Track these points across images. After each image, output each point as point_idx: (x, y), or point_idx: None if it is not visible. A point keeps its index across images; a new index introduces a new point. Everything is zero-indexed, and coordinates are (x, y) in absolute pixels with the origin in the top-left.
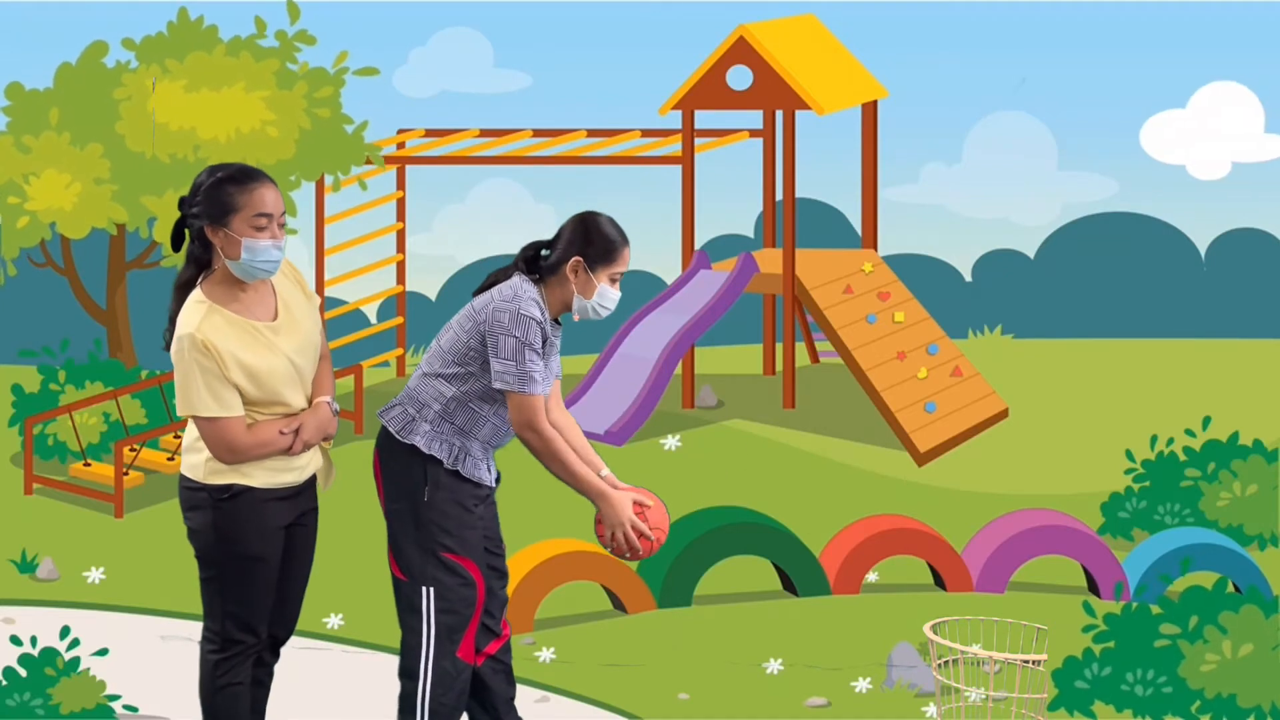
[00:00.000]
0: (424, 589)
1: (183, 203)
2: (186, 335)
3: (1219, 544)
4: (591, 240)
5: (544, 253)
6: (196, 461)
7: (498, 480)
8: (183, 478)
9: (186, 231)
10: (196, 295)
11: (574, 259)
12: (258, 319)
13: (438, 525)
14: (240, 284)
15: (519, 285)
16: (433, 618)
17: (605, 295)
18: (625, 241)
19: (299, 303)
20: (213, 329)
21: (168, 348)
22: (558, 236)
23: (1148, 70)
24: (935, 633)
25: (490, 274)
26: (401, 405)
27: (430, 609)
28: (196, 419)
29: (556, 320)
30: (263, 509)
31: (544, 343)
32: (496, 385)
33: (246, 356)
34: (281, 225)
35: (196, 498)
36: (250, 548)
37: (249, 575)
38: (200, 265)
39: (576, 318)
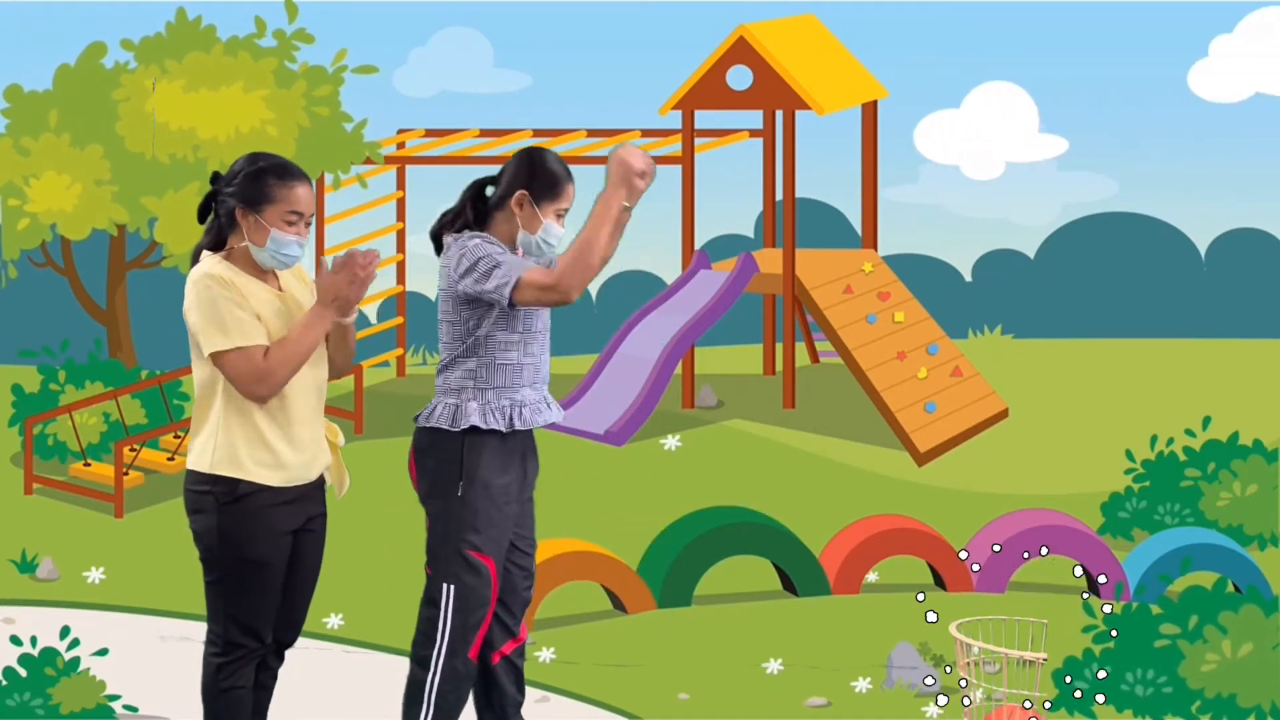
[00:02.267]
0: (445, 586)
1: (218, 178)
2: (202, 274)
3: (1219, 544)
4: (536, 174)
5: (489, 190)
6: (203, 452)
7: (550, 422)
8: (188, 476)
9: (213, 207)
10: (209, 256)
11: (519, 192)
12: (269, 287)
13: (467, 522)
14: (253, 266)
15: (460, 240)
16: (450, 615)
17: (550, 231)
18: (569, 177)
19: (306, 298)
20: (224, 269)
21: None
22: (502, 172)
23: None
24: (961, 632)
25: (441, 215)
26: (442, 401)
27: (449, 606)
28: (223, 355)
29: None
30: (268, 513)
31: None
32: (495, 290)
33: (256, 298)
34: (308, 225)
35: (202, 500)
36: (255, 552)
37: (253, 579)
38: (220, 239)
39: (520, 253)
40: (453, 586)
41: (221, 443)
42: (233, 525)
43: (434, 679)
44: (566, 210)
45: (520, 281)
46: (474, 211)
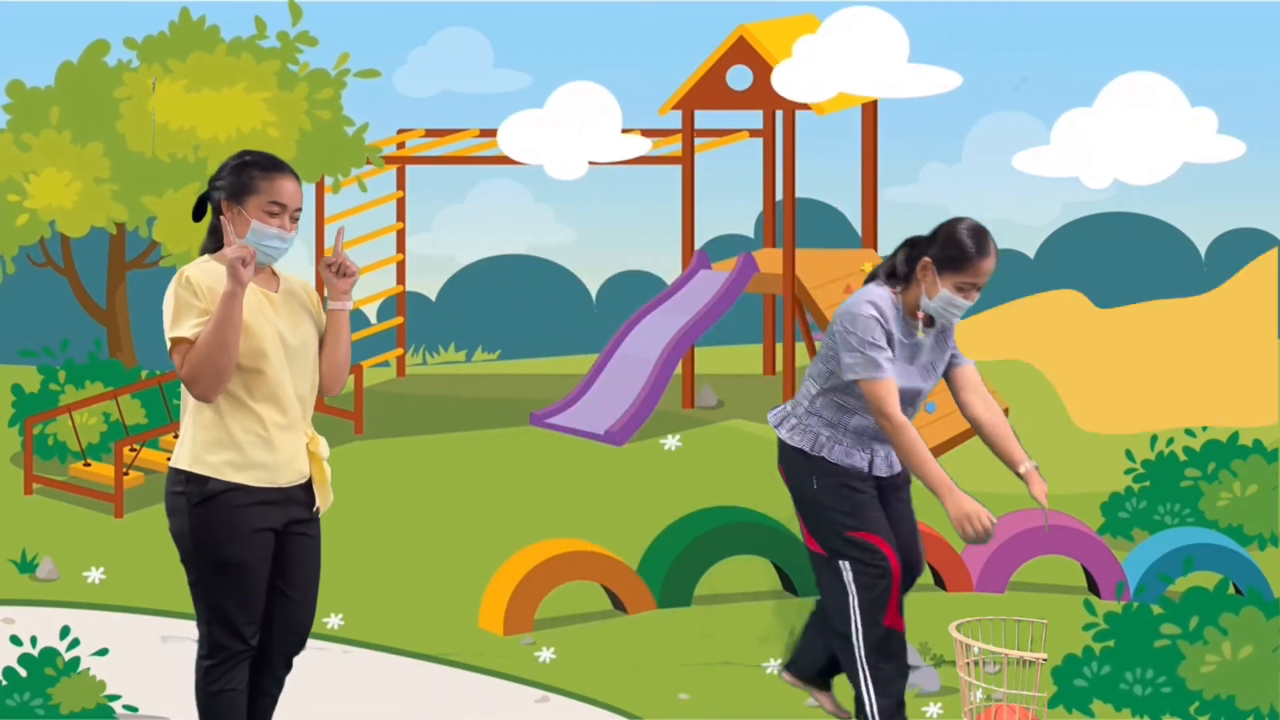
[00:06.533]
0: (841, 564)
1: (211, 178)
2: (179, 274)
3: (1219, 544)
4: (942, 244)
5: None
6: (180, 449)
7: (896, 473)
8: (168, 475)
9: (209, 206)
10: (201, 258)
11: (924, 258)
12: (257, 285)
13: (833, 508)
14: (251, 268)
15: (866, 289)
16: (854, 590)
17: (948, 301)
18: (981, 254)
19: (308, 311)
20: (205, 273)
21: None
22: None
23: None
24: (961, 632)
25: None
26: (783, 405)
27: (851, 581)
28: (173, 346)
29: (919, 318)
30: (239, 513)
31: (889, 337)
32: (847, 376)
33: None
34: (294, 219)
35: (176, 501)
36: (227, 553)
37: (229, 581)
38: (219, 238)
39: (921, 317)
40: (848, 563)
41: (196, 439)
42: (204, 527)
43: (861, 652)
44: (972, 284)
45: (870, 388)
46: (904, 265)
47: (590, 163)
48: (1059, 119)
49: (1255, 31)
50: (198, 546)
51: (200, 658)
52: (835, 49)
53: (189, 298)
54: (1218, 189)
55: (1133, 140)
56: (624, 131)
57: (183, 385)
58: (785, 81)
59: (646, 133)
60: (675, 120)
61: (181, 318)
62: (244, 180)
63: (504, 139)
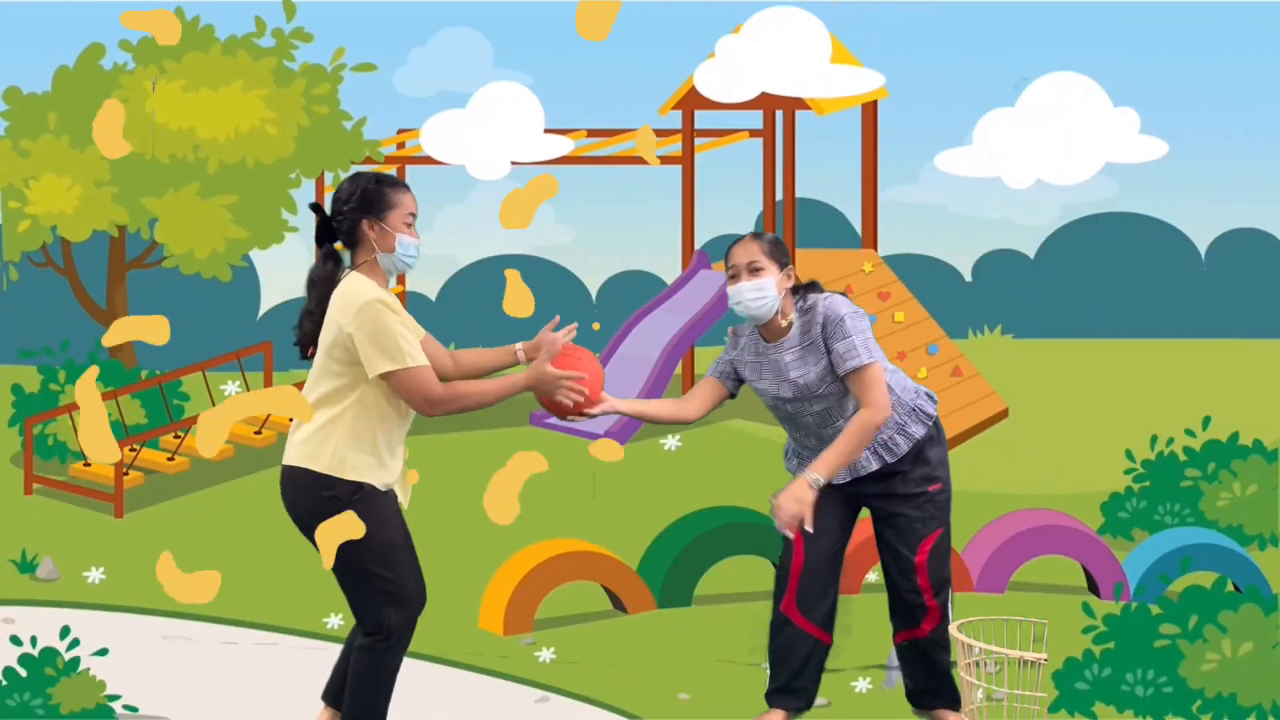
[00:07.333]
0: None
1: (336, 201)
2: (375, 298)
3: (1219, 544)
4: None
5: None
6: (323, 452)
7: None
8: (307, 477)
9: (332, 230)
10: (358, 276)
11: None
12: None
13: None
14: (383, 278)
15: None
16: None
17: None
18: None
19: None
20: (383, 291)
21: (300, 345)
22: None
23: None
24: (962, 632)
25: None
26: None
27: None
28: (398, 374)
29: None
30: (387, 498)
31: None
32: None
33: (408, 320)
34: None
35: (332, 504)
36: (392, 534)
37: (398, 559)
38: (338, 262)
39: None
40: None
41: (349, 447)
42: (366, 517)
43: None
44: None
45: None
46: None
47: (512, 163)
48: (980, 119)
49: (1177, 32)
50: (367, 535)
51: (376, 643)
52: (757, 49)
53: (399, 323)
54: (1218, 189)
55: (1055, 140)
56: (546, 131)
57: (399, 399)
58: (706, 81)
59: (657, 133)
60: (675, 120)
61: (408, 343)
62: (383, 197)
63: (426, 138)
